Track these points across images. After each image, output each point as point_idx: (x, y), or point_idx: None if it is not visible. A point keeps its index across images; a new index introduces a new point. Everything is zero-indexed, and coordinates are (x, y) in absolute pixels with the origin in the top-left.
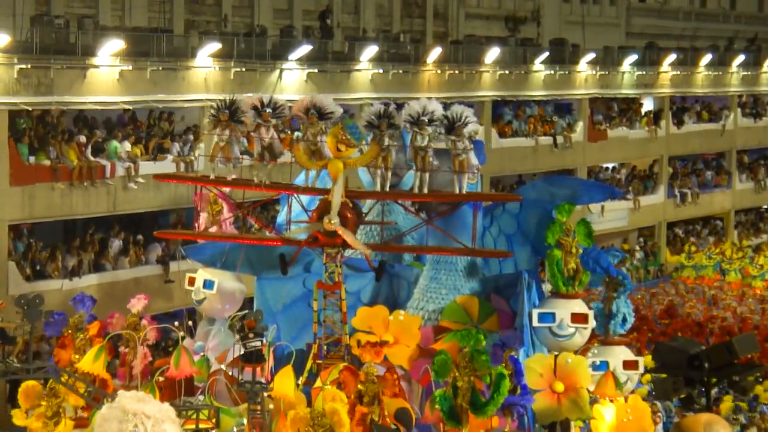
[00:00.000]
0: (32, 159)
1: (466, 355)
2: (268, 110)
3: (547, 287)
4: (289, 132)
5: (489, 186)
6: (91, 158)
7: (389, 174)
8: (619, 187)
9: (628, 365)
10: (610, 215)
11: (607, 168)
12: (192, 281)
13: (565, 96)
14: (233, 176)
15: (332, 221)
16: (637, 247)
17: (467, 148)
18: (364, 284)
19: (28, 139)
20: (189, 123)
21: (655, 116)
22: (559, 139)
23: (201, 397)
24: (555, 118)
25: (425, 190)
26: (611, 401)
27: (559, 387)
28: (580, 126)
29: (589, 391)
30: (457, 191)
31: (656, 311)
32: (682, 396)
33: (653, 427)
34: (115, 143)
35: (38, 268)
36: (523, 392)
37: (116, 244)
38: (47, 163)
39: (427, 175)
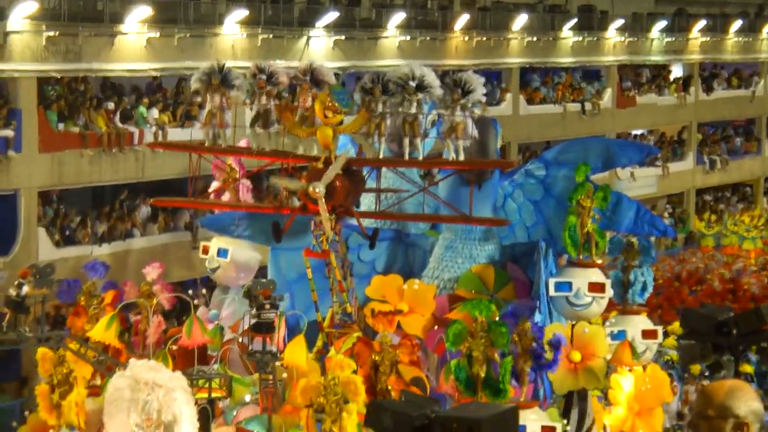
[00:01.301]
0: (61, 126)
1: (482, 325)
2: (263, 77)
3: None
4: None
5: (517, 152)
6: (120, 125)
7: (382, 140)
8: None
9: (647, 334)
10: (639, 182)
11: (635, 135)
12: (206, 249)
13: (594, 63)
14: (244, 142)
15: (317, 189)
16: (666, 214)
17: (466, 114)
18: (379, 253)
19: (57, 107)
20: None
21: (685, 83)
22: (588, 105)
23: (215, 366)
24: (583, 85)
25: (420, 157)
26: (630, 370)
27: (576, 356)
28: (608, 93)
29: (606, 361)
30: (452, 157)
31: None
32: (710, 362)
33: (672, 396)
34: (143, 110)
35: (68, 233)
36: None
37: (144, 210)
38: (76, 129)
39: (418, 140)
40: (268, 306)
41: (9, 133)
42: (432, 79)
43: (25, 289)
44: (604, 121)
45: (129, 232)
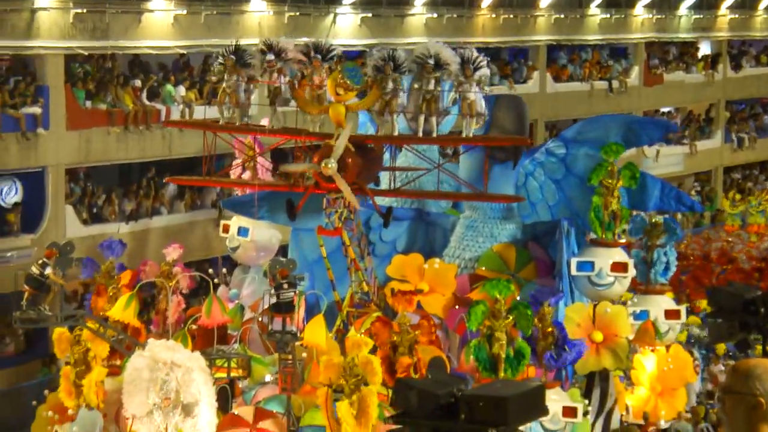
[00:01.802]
0: (88, 103)
1: (505, 305)
2: (271, 56)
3: None
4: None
5: (544, 130)
6: (147, 102)
7: (395, 118)
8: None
9: (670, 314)
10: (666, 160)
11: (662, 113)
12: (227, 228)
13: (621, 40)
14: (265, 121)
15: (329, 165)
16: (693, 192)
17: (473, 91)
18: (400, 233)
19: (84, 84)
20: None
21: (713, 60)
22: (615, 83)
23: (235, 346)
24: (610, 63)
25: (434, 134)
26: (652, 351)
27: (598, 337)
28: (635, 70)
29: (628, 341)
30: (464, 135)
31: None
32: (737, 341)
33: (695, 376)
34: (170, 87)
35: (95, 211)
36: (570, 346)
37: (171, 188)
38: (103, 107)
39: (434, 118)
40: (286, 285)
41: (37, 110)
42: (448, 56)
43: (48, 270)
44: (631, 98)
45: (156, 209)
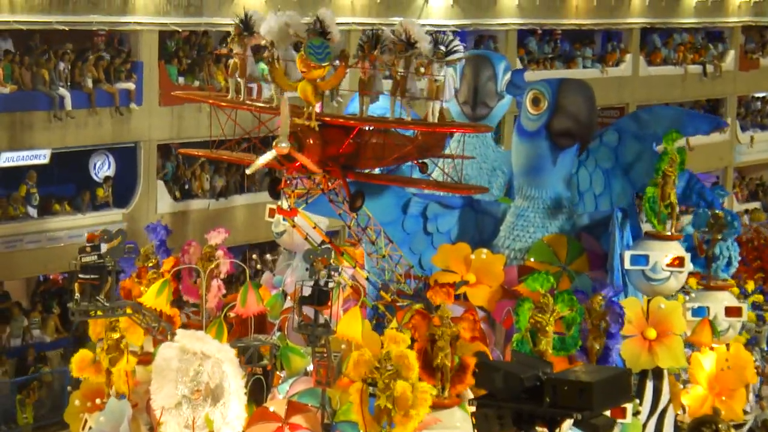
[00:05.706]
0: (181, 80)
1: (550, 298)
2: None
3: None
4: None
5: None
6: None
7: (367, 99)
8: None
9: (731, 312)
10: (759, 146)
11: (757, 98)
12: (272, 213)
13: (717, 24)
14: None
15: (281, 144)
16: None
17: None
18: (453, 223)
19: (177, 60)
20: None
21: None
22: (709, 67)
23: (276, 335)
24: (707, 45)
25: (408, 117)
26: (711, 349)
27: (652, 333)
28: (731, 54)
29: (683, 339)
30: (429, 119)
31: None
32: None
33: (756, 377)
34: (262, 65)
35: (186, 187)
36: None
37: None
38: (196, 84)
39: (405, 101)
40: (325, 274)
41: (130, 85)
42: (418, 34)
43: (104, 247)
44: (726, 83)
45: (247, 187)
